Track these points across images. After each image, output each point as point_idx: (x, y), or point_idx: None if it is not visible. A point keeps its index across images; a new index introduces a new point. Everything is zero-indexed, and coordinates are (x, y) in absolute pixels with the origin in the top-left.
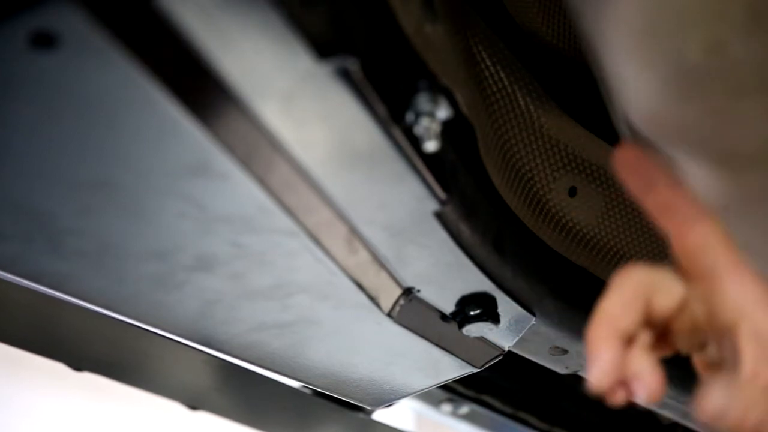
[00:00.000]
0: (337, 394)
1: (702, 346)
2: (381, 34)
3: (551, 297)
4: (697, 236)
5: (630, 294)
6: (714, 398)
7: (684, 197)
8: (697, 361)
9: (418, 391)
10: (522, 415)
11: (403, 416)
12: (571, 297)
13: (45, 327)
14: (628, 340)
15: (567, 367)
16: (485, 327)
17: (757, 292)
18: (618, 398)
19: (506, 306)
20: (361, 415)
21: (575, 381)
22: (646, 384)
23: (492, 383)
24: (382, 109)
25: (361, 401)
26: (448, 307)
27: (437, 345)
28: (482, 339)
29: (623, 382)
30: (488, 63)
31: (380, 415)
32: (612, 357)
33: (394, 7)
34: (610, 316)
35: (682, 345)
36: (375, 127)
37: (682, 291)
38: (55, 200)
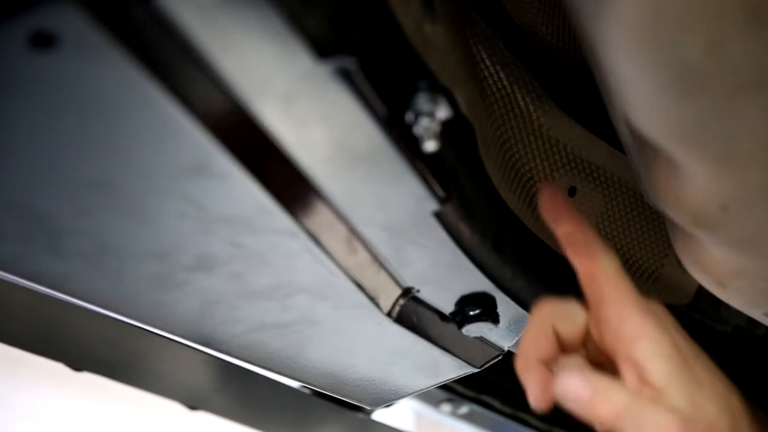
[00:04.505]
0: (336, 394)
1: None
2: (380, 34)
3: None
4: (592, 269)
5: (538, 327)
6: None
7: (585, 233)
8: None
9: (418, 391)
10: (521, 415)
11: (402, 416)
12: (571, 297)
13: (44, 327)
14: (551, 363)
15: None
16: (485, 327)
17: (637, 324)
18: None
19: (506, 306)
20: (360, 415)
21: None
22: (568, 396)
23: (492, 383)
24: (381, 109)
25: (360, 401)
26: (448, 307)
27: (437, 345)
28: (482, 339)
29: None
30: (488, 63)
31: (380, 415)
32: (536, 383)
33: (394, 7)
34: (525, 350)
35: (597, 360)
36: (375, 127)
37: (584, 317)
38: (54, 200)
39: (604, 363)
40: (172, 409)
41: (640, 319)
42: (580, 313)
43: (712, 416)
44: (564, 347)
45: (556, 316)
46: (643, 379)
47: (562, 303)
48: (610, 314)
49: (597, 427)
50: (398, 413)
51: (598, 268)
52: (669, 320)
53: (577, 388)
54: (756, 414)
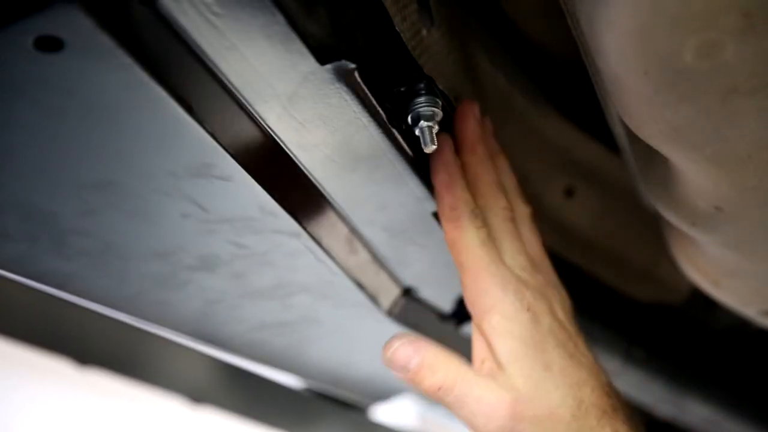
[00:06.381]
0: (336, 391)
1: None
2: (380, 39)
3: None
4: (454, 236)
5: None
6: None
7: (456, 197)
8: None
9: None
10: None
11: (403, 415)
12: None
13: (51, 324)
14: None
15: None
16: None
17: (492, 298)
18: None
19: None
20: (360, 413)
21: None
22: (395, 364)
23: None
24: (381, 112)
25: (360, 398)
26: (447, 307)
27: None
28: None
29: None
30: (486, 66)
31: (380, 414)
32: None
33: (392, 13)
34: None
35: None
36: (375, 129)
37: None
38: (59, 201)
39: None
40: (174, 406)
41: (497, 292)
42: None
43: (553, 402)
44: None
45: None
46: (488, 351)
47: None
48: (468, 283)
49: (422, 393)
50: (399, 412)
51: (460, 237)
52: (543, 300)
53: (405, 357)
54: (617, 410)
